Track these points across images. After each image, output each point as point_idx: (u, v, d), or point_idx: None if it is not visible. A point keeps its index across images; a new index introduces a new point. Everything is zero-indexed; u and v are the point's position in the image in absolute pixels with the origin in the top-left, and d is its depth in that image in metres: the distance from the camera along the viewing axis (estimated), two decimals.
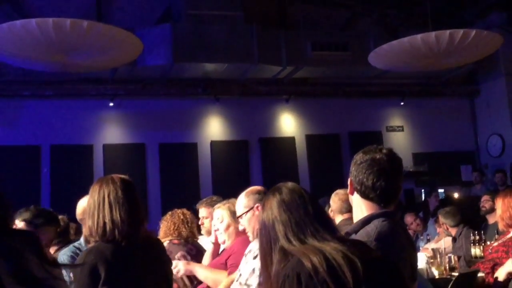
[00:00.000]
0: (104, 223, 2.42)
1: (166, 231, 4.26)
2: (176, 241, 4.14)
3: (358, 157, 2.22)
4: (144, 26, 8.89)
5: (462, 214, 5.85)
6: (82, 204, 3.46)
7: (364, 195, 2.18)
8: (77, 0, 9.30)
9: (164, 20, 9.33)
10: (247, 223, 3.04)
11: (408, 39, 6.95)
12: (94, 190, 2.52)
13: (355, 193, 2.23)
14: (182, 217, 4.30)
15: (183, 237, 4.18)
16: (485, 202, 6.35)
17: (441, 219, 6.10)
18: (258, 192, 3.10)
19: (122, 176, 2.62)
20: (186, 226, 4.23)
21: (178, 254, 3.88)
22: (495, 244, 4.26)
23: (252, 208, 3.02)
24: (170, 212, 4.41)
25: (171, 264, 2.87)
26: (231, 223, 3.53)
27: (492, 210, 6.38)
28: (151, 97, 9.68)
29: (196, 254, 4.05)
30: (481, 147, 11.21)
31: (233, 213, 3.53)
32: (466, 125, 11.32)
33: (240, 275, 2.75)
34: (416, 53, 7.16)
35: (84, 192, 2.70)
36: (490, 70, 10.81)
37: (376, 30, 10.54)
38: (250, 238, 3.05)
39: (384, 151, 2.21)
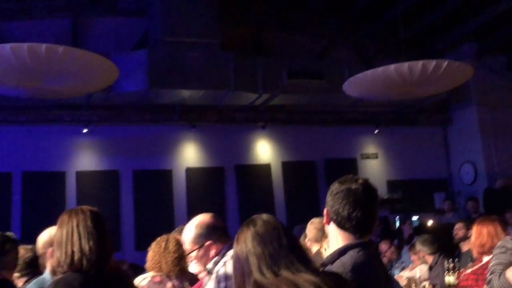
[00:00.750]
0: (73, 252, 2.39)
1: (149, 263, 3.84)
2: (157, 278, 3.72)
3: (334, 187, 2.22)
4: (120, 52, 8.89)
5: (439, 242, 5.88)
6: (44, 238, 3.20)
7: (340, 225, 2.18)
8: (52, 25, 9.26)
9: (141, 46, 9.33)
10: (197, 260, 2.88)
11: (382, 69, 7.05)
12: (63, 220, 2.49)
13: (331, 223, 2.22)
14: (163, 246, 3.81)
15: (164, 271, 3.71)
16: (458, 230, 6.41)
17: (418, 246, 6.11)
18: (208, 226, 2.89)
19: (91, 207, 2.59)
20: (168, 257, 3.75)
21: None
22: (468, 271, 4.29)
23: (202, 246, 2.85)
24: (156, 240, 3.96)
25: None
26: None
27: (466, 237, 6.44)
28: (126, 123, 9.61)
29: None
30: (454, 174, 11.35)
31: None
32: (439, 153, 11.47)
33: None
34: (389, 83, 7.26)
35: (56, 220, 2.65)
36: (462, 99, 11.01)
37: (351, 59, 10.71)
38: (201, 275, 2.93)
39: (360, 181, 2.22)
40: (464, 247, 6.44)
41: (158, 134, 9.78)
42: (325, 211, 2.25)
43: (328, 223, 2.24)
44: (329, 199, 2.22)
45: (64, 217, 2.49)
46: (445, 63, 6.93)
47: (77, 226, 2.44)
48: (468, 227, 6.54)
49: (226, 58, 9.06)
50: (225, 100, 9.47)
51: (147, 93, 8.83)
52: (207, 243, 2.82)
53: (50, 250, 3.02)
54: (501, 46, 10.75)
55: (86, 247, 2.39)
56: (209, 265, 2.78)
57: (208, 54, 8.99)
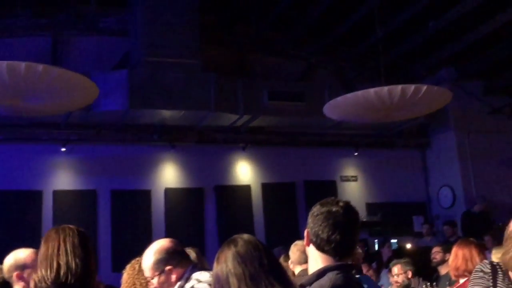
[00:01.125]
0: (59, 266, 2.35)
1: (123, 286, 3.68)
2: None
3: (316, 209, 2.22)
4: (101, 71, 8.84)
5: (416, 267, 5.88)
6: (9, 261, 3.06)
7: (319, 247, 2.17)
8: (32, 44, 9.21)
9: (122, 66, 9.31)
10: (160, 285, 2.85)
11: (362, 93, 7.11)
12: (49, 236, 2.45)
13: (311, 245, 2.21)
14: (137, 268, 3.63)
15: None
16: (436, 253, 6.48)
17: (403, 267, 6.06)
18: (167, 252, 2.89)
19: (78, 227, 2.56)
20: (142, 279, 3.54)
21: None
22: None
23: (163, 272, 2.83)
24: (130, 262, 3.79)
25: None
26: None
27: (443, 261, 6.49)
28: (105, 142, 9.53)
29: None
30: (433, 198, 11.43)
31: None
32: (418, 176, 11.56)
33: None
34: (369, 106, 7.31)
35: (32, 239, 2.60)
36: (441, 123, 11.15)
37: (331, 81, 10.80)
38: None
39: (341, 204, 2.21)
40: (442, 270, 6.48)
41: (137, 154, 9.71)
42: (305, 233, 2.24)
43: (308, 244, 2.23)
44: (309, 220, 2.22)
45: (51, 233, 2.46)
46: (424, 88, 7.01)
47: (64, 241, 2.41)
48: (445, 251, 6.61)
49: (207, 79, 9.07)
50: (205, 120, 9.46)
51: (127, 112, 8.79)
52: (167, 268, 2.81)
53: (16, 273, 2.96)
54: (478, 71, 10.93)
55: (72, 263, 2.34)
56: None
57: (189, 74, 8.99)
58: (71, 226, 2.52)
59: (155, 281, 2.84)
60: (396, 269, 5.44)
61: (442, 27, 9.48)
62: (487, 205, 9.94)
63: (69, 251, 2.39)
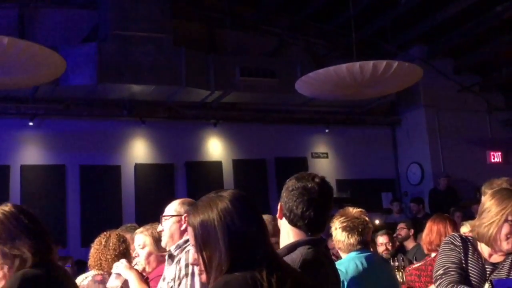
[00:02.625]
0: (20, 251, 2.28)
1: (90, 261, 3.72)
2: (99, 277, 3.58)
3: (291, 183, 2.20)
4: (69, 44, 8.66)
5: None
6: None
7: (293, 222, 2.17)
8: None
9: (91, 39, 9.12)
10: (168, 227, 2.85)
11: (334, 68, 7.12)
12: None
13: (284, 219, 2.21)
14: (103, 243, 3.69)
15: (105, 269, 3.57)
16: (400, 230, 6.68)
17: (390, 237, 6.20)
18: (191, 204, 2.86)
19: (14, 204, 2.46)
20: (108, 254, 3.62)
21: None
22: (412, 267, 4.38)
23: (181, 215, 2.84)
24: (98, 237, 3.83)
25: None
26: (153, 251, 3.40)
27: (408, 237, 6.67)
28: (74, 117, 9.37)
29: (128, 286, 3.46)
30: (402, 175, 11.58)
31: (156, 240, 3.38)
32: (387, 153, 11.68)
33: None
34: (341, 82, 7.34)
35: None
36: (411, 101, 11.24)
37: (303, 58, 10.78)
38: (163, 243, 2.90)
39: (317, 180, 2.20)
40: (408, 245, 6.64)
41: (107, 129, 9.58)
42: (279, 206, 2.23)
43: (281, 217, 2.23)
44: (284, 194, 2.21)
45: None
46: (395, 64, 7.06)
47: (8, 222, 2.32)
48: (410, 227, 6.77)
49: (178, 53, 8.97)
50: (176, 96, 9.37)
51: (96, 87, 8.65)
52: (185, 214, 2.79)
53: None
54: (449, 49, 11.03)
55: (34, 243, 2.27)
56: (172, 248, 2.71)
57: (159, 49, 8.87)
58: (8, 204, 2.41)
59: (168, 221, 2.85)
60: (383, 238, 5.71)
61: (413, 5, 9.50)
62: (450, 181, 10.12)
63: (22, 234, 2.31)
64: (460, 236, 2.72)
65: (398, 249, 6.37)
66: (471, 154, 11.06)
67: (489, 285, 2.44)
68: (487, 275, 2.51)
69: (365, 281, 3.20)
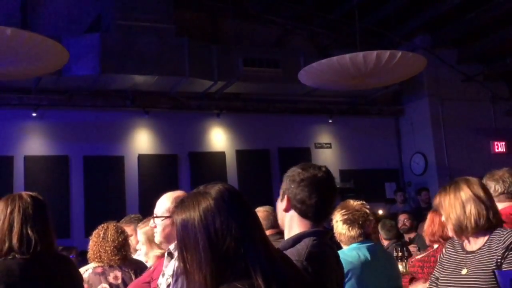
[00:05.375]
0: (11, 238, 2.31)
1: (89, 253, 3.73)
2: (99, 269, 3.60)
3: (296, 173, 2.16)
4: (72, 35, 8.63)
5: (395, 231, 6.03)
6: None
7: (304, 213, 2.14)
8: (1, 6, 8.91)
9: (93, 29, 9.10)
10: (161, 228, 2.79)
11: (337, 58, 7.08)
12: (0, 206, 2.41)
13: (292, 210, 2.17)
14: (102, 235, 3.68)
15: (104, 261, 3.61)
16: (406, 220, 6.69)
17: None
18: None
19: (32, 193, 2.51)
20: (107, 246, 3.64)
21: None
22: (415, 258, 4.39)
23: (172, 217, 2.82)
24: (96, 229, 3.84)
25: (82, 281, 2.73)
26: (148, 250, 3.43)
27: (411, 228, 6.70)
28: (77, 108, 9.37)
29: (129, 277, 3.57)
30: (405, 165, 11.57)
31: (150, 240, 3.40)
32: (391, 143, 11.66)
33: None
34: (344, 72, 7.30)
35: None
36: (414, 91, 11.21)
37: (307, 48, 10.74)
38: (156, 240, 2.88)
39: (324, 169, 2.19)
40: (411, 235, 6.66)
41: (110, 119, 9.58)
42: (285, 198, 2.18)
43: (288, 210, 2.18)
44: (292, 186, 2.15)
45: (1, 203, 2.42)
46: (399, 54, 7.02)
47: (17, 212, 2.37)
48: (413, 218, 6.81)
49: (181, 44, 8.94)
50: (179, 86, 9.36)
51: (99, 77, 8.63)
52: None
53: None
54: (453, 39, 10.98)
55: (25, 233, 2.33)
56: (172, 246, 2.69)
57: (162, 39, 8.84)
58: (23, 194, 2.47)
59: (160, 221, 2.78)
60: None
61: None
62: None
63: (21, 222, 2.36)
64: (452, 240, 2.88)
65: (403, 240, 6.39)
66: (475, 144, 11.05)
67: (466, 271, 2.60)
68: (466, 263, 2.64)
69: (366, 271, 3.21)
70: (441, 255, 2.89)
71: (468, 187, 2.73)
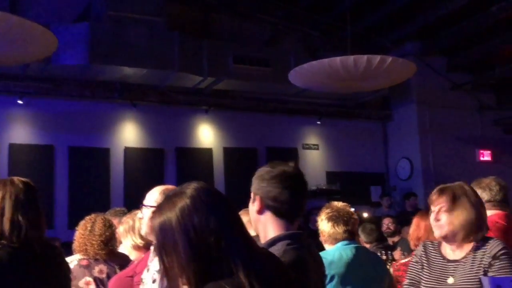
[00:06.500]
0: (2, 224, 2.27)
1: (75, 244, 3.66)
2: (84, 262, 3.54)
3: (265, 172, 2.10)
4: (61, 23, 8.54)
5: (377, 234, 6.05)
6: None
7: (277, 211, 2.07)
8: None
9: (83, 19, 9.00)
10: (148, 217, 2.71)
11: (328, 61, 7.10)
12: None
13: (266, 211, 2.08)
14: (89, 227, 3.62)
15: (90, 254, 3.55)
16: (390, 224, 6.72)
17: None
18: None
19: (24, 179, 2.46)
20: (94, 240, 3.57)
21: (82, 282, 3.44)
22: (400, 262, 4.39)
23: None
24: (83, 220, 3.78)
25: (69, 271, 2.70)
26: (132, 241, 3.40)
27: (395, 232, 6.74)
28: (64, 97, 9.25)
29: (114, 271, 3.52)
30: (391, 169, 11.62)
31: (127, 232, 3.40)
32: (378, 147, 11.71)
33: None
34: (334, 75, 7.32)
35: None
36: (403, 96, 11.26)
37: (298, 49, 10.73)
38: (142, 232, 2.85)
39: (291, 164, 2.15)
40: (395, 239, 6.69)
41: (97, 111, 9.48)
42: (257, 199, 2.10)
43: (261, 211, 2.10)
44: (262, 185, 2.08)
45: None
46: (389, 59, 7.05)
47: (8, 197, 2.32)
48: (397, 222, 6.86)
49: (171, 37, 8.88)
50: (168, 80, 9.30)
51: (87, 67, 8.55)
52: None
53: None
54: (443, 47, 11.04)
55: (16, 219, 2.29)
56: None
57: (153, 32, 8.78)
58: (15, 179, 2.43)
59: (147, 211, 2.72)
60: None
61: (410, 1, 9.47)
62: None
63: (12, 208, 2.32)
64: (424, 243, 2.92)
65: (385, 243, 6.41)
66: (461, 151, 11.13)
67: (453, 280, 2.60)
68: (451, 272, 2.65)
69: (350, 272, 3.20)
70: (418, 258, 2.86)
71: (474, 193, 2.77)
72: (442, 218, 2.71)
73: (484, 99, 11.69)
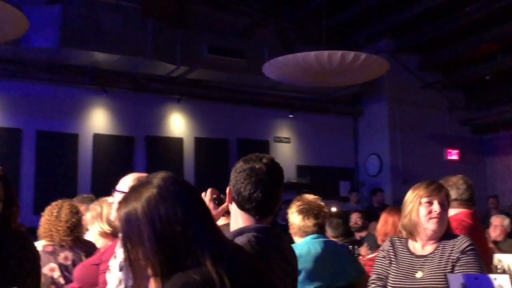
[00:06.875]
0: None
1: (40, 230, 3.60)
2: (49, 248, 3.49)
3: (239, 165, 2.13)
4: (33, 4, 8.34)
5: (343, 228, 6.08)
6: None
7: (241, 205, 2.10)
8: None
9: (56, 1, 8.81)
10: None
11: (302, 55, 7.11)
12: None
13: (233, 202, 2.14)
14: (55, 213, 3.56)
15: (56, 241, 3.50)
16: (358, 219, 6.80)
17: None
18: None
19: None
20: (60, 226, 3.52)
21: (46, 269, 3.37)
22: (367, 257, 4.43)
23: None
24: (50, 205, 3.73)
25: (39, 258, 2.65)
26: (99, 228, 3.35)
27: (363, 227, 6.81)
28: (33, 81, 9.05)
29: (79, 259, 3.48)
30: (360, 165, 11.73)
31: (95, 219, 3.33)
32: (348, 143, 11.80)
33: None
34: (308, 69, 7.33)
35: None
36: (375, 93, 11.36)
37: (272, 41, 10.72)
38: (112, 217, 2.85)
39: (265, 160, 2.13)
40: (359, 234, 6.77)
41: (67, 95, 9.31)
42: (227, 190, 2.16)
43: (231, 202, 2.15)
44: (232, 177, 2.13)
45: None
46: (363, 56, 7.09)
47: None
48: (364, 218, 6.94)
49: (145, 24, 8.78)
50: (141, 67, 9.19)
51: (58, 51, 8.38)
52: None
53: None
54: (416, 45, 11.15)
55: None
56: None
57: (127, 18, 8.65)
58: None
59: (119, 196, 2.69)
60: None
61: None
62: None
63: None
64: (391, 239, 2.95)
65: (352, 238, 6.46)
66: (429, 150, 11.29)
67: (422, 274, 2.65)
68: (419, 266, 2.70)
69: (316, 268, 3.21)
70: (385, 253, 2.89)
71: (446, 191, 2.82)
72: (442, 213, 2.75)
73: (454, 99, 11.88)
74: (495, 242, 6.20)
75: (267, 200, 2.10)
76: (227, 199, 2.18)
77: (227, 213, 2.43)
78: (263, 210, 2.10)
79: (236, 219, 2.13)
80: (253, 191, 2.06)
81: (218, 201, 2.40)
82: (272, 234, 2.13)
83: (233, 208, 2.15)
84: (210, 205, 2.35)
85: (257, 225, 2.08)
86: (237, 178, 2.10)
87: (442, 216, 2.75)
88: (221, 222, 3.85)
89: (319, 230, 3.35)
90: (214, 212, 2.32)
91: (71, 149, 9.21)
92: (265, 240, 2.04)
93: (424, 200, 2.76)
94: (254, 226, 2.07)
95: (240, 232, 2.05)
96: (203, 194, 2.34)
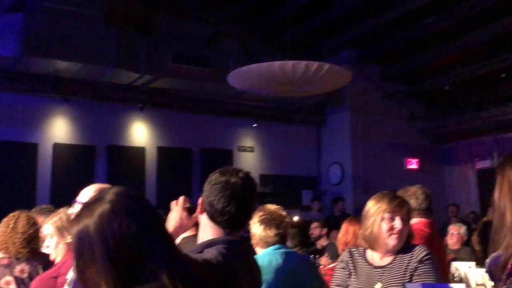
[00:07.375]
0: None
1: None
2: (5, 261, 3.39)
3: (214, 177, 2.12)
4: None
5: (300, 238, 6.08)
6: None
7: (212, 218, 2.09)
8: None
9: (18, 9, 8.66)
10: None
11: (267, 65, 7.17)
12: None
13: (204, 213, 2.13)
14: (12, 225, 3.48)
15: (12, 253, 3.41)
16: (314, 229, 6.85)
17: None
18: None
19: None
20: (16, 238, 3.43)
21: (2, 282, 3.28)
22: (328, 267, 4.46)
23: None
24: (6, 217, 3.62)
25: None
26: (60, 240, 3.27)
27: (321, 236, 6.86)
28: None
29: (36, 271, 3.39)
30: (323, 174, 11.83)
31: (60, 229, 3.24)
32: (311, 152, 11.90)
33: None
34: (272, 79, 7.40)
35: None
36: (337, 103, 11.49)
37: (237, 51, 10.74)
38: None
39: (241, 174, 2.13)
40: (321, 243, 6.81)
41: (27, 104, 9.11)
42: (200, 200, 2.15)
43: (201, 212, 2.14)
44: (206, 188, 2.11)
45: None
46: (326, 66, 7.19)
47: None
48: (322, 227, 6.99)
49: (108, 32, 8.70)
50: (103, 76, 9.09)
51: (20, 59, 8.24)
52: None
53: None
54: (378, 56, 11.34)
55: None
56: None
57: (89, 26, 8.57)
58: None
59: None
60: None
61: (347, 10, 9.67)
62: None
63: None
64: (349, 250, 2.97)
65: (313, 248, 6.50)
66: (390, 159, 11.47)
67: (381, 285, 2.67)
68: (378, 278, 2.72)
69: (277, 280, 3.20)
70: (344, 264, 2.92)
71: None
72: (403, 229, 2.76)
73: (414, 109, 12.12)
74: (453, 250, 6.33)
75: (240, 214, 2.09)
76: (198, 209, 2.16)
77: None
78: (235, 224, 2.09)
79: (205, 230, 2.12)
80: (226, 205, 2.05)
81: (191, 210, 2.39)
82: (241, 248, 2.14)
83: (203, 219, 2.13)
84: (182, 213, 2.33)
85: (227, 237, 2.07)
86: (211, 190, 2.08)
87: (403, 232, 2.77)
88: (185, 233, 3.83)
89: (281, 240, 3.36)
90: (186, 221, 2.30)
91: (30, 159, 9.03)
92: (234, 254, 2.03)
93: (387, 215, 2.75)
94: (224, 238, 2.06)
95: (210, 243, 2.03)
96: (174, 202, 2.32)
